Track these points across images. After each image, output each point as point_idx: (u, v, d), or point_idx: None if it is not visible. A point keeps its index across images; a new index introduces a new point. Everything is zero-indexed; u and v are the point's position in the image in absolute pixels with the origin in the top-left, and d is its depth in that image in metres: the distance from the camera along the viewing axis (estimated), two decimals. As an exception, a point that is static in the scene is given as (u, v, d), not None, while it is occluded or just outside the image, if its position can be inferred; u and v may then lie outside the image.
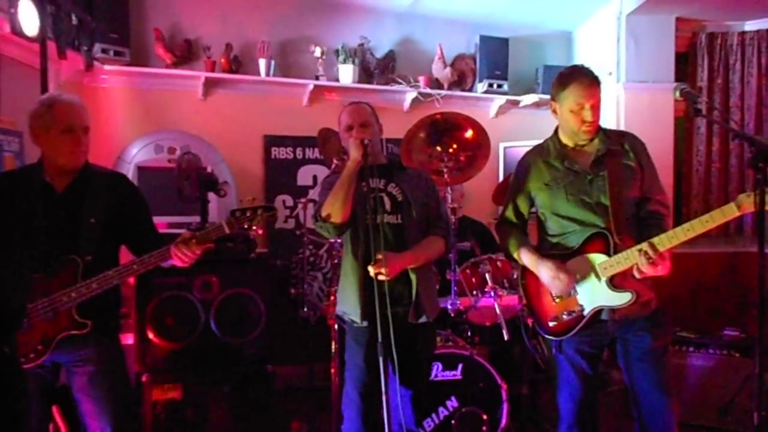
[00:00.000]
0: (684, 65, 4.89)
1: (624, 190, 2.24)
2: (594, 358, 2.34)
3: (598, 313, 2.24)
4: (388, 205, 2.39)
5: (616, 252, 2.18)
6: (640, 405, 2.27)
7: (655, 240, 2.07)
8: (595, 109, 2.25)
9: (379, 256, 2.16)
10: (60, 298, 2.07)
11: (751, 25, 4.78)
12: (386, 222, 2.36)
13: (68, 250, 2.13)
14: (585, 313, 2.25)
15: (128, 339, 2.95)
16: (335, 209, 2.27)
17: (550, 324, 2.33)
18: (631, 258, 2.14)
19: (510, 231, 2.47)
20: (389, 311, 2.03)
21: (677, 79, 4.71)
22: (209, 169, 3.28)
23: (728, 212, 1.97)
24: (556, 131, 2.42)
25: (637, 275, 2.12)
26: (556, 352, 2.34)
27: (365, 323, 2.33)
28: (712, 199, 4.83)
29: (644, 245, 2.08)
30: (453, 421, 2.96)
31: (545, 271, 2.28)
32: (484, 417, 2.99)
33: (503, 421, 3.00)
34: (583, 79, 2.24)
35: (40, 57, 2.88)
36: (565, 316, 2.28)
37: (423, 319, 2.38)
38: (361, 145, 2.24)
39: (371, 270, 2.16)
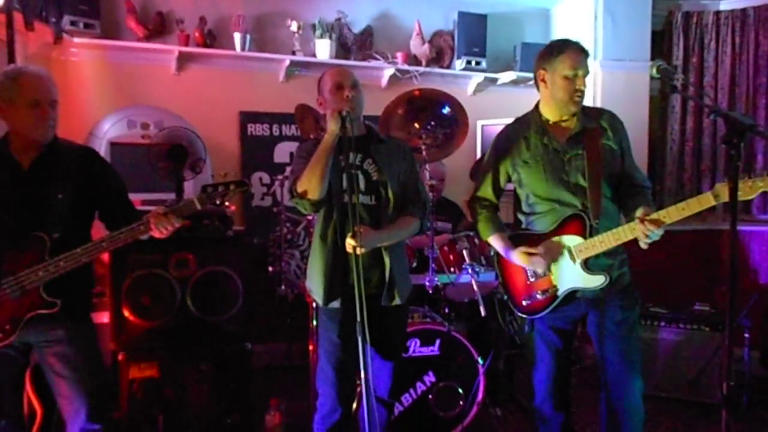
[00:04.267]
0: (660, 44, 4.93)
1: (602, 171, 2.24)
2: (567, 334, 2.38)
3: (572, 292, 2.26)
4: (362, 185, 2.29)
5: (591, 235, 2.20)
6: (606, 375, 2.31)
7: (662, 213, 2.05)
8: (584, 80, 2.25)
9: (356, 229, 2.09)
10: (27, 276, 2.02)
11: (726, 5, 4.82)
12: (360, 203, 2.25)
13: (36, 227, 2.07)
14: (559, 293, 2.27)
15: (104, 317, 2.92)
16: (312, 185, 2.18)
17: (524, 303, 2.35)
18: (606, 242, 2.16)
19: (482, 213, 2.45)
20: (358, 292, 2.00)
21: (653, 57, 4.75)
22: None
23: (704, 201, 2.00)
24: (537, 106, 2.39)
25: (643, 245, 2.12)
26: (530, 329, 2.37)
27: (331, 305, 2.29)
28: (685, 178, 4.92)
29: (652, 216, 2.07)
30: (430, 396, 3.00)
31: (518, 259, 2.31)
32: (461, 391, 3.03)
33: (479, 396, 3.05)
34: (578, 47, 2.26)
35: (6, 28, 2.80)
36: (539, 296, 2.30)
37: (396, 302, 2.34)
38: (339, 117, 2.14)
39: (349, 242, 2.11)
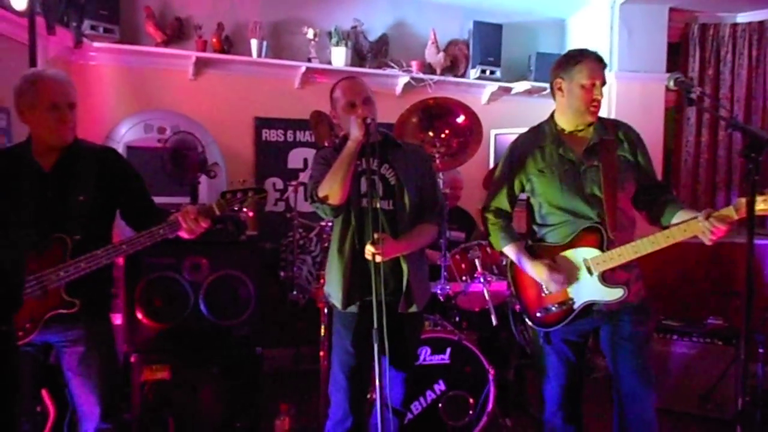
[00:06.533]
0: (676, 56, 4.91)
1: (618, 183, 2.23)
2: (579, 347, 2.36)
3: (588, 305, 2.24)
4: (379, 189, 2.29)
5: (609, 247, 2.18)
6: (620, 389, 2.29)
7: (724, 210, 2.01)
8: (601, 90, 2.25)
9: (377, 236, 2.10)
10: (48, 277, 2.04)
11: (743, 17, 4.81)
12: (378, 207, 2.24)
13: (57, 229, 2.10)
14: (575, 306, 2.25)
15: (117, 319, 2.94)
16: (333, 190, 2.19)
17: (538, 315, 2.33)
18: (625, 254, 2.15)
19: (497, 223, 2.43)
20: (376, 299, 1.99)
21: (668, 69, 4.73)
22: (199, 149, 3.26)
23: (726, 213, 1.99)
24: (552, 115, 2.39)
25: (708, 242, 2.05)
26: (543, 342, 2.34)
27: (349, 309, 2.30)
28: (699, 190, 4.89)
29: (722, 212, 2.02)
30: (440, 405, 2.99)
31: (539, 274, 2.27)
32: (471, 401, 3.02)
33: (489, 405, 3.03)
34: (596, 57, 2.26)
35: (29, 32, 2.84)
36: (554, 308, 2.28)
37: (413, 309, 2.34)
38: (364, 124, 2.15)
39: (369, 249, 2.11)
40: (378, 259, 2.08)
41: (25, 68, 2.72)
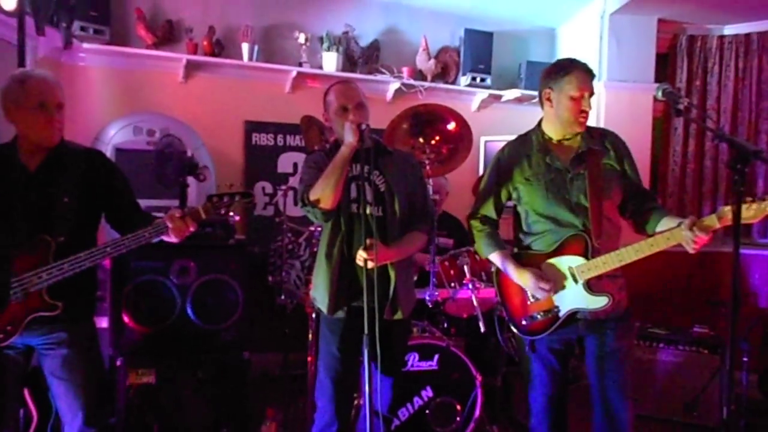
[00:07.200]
0: (664, 66, 4.96)
1: (604, 192, 2.24)
2: (564, 355, 2.37)
3: (573, 313, 2.25)
4: (369, 196, 2.29)
5: (593, 255, 2.19)
6: (599, 403, 2.30)
7: (706, 220, 2.02)
8: (589, 101, 2.26)
9: (369, 242, 2.10)
10: (30, 279, 2.02)
11: (730, 29, 4.87)
12: (368, 213, 2.26)
13: (41, 230, 2.07)
14: (560, 314, 2.26)
15: (103, 322, 2.91)
16: (326, 194, 2.19)
17: (523, 322, 2.33)
18: (610, 262, 2.16)
19: (483, 230, 2.43)
20: (367, 305, 2.00)
21: (656, 79, 4.78)
22: (189, 153, 3.25)
23: (708, 223, 2.00)
24: (539, 124, 2.40)
25: (691, 251, 2.06)
26: (529, 350, 2.35)
27: (336, 315, 2.30)
28: (686, 199, 4.93)
29: (698, 222, 2.02)
30: (427, 411, 2.98)
31: (524, 281, 2.28)
32: (458, 407, 3.02)
33: (477, 412, 3.03)
34: (585, 68, 2.26)
35: (18, 32, 2.82)
36: (539, 316, 2.29)
37: (398, 316, 2.34)
38: (358, 130, 2.15)
39: (361, 254, 2.11)
40: (370, 265, 2.08)
41: (13, 69, 2.69)
